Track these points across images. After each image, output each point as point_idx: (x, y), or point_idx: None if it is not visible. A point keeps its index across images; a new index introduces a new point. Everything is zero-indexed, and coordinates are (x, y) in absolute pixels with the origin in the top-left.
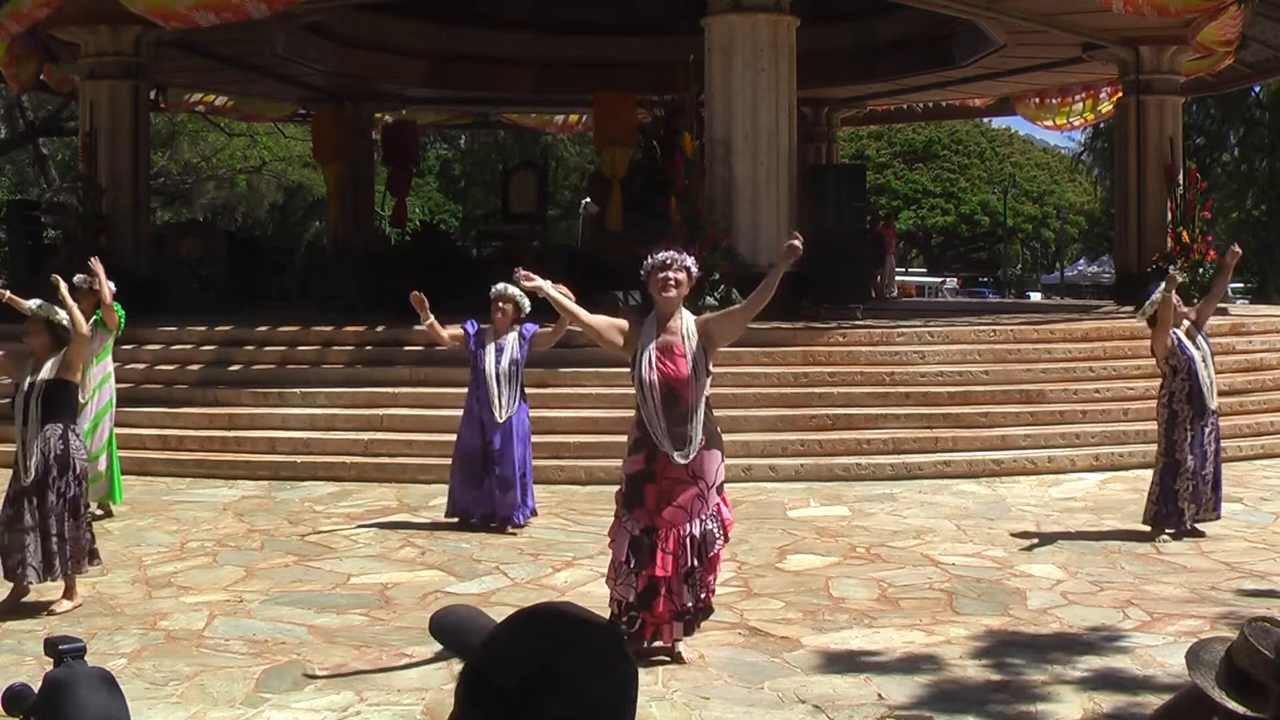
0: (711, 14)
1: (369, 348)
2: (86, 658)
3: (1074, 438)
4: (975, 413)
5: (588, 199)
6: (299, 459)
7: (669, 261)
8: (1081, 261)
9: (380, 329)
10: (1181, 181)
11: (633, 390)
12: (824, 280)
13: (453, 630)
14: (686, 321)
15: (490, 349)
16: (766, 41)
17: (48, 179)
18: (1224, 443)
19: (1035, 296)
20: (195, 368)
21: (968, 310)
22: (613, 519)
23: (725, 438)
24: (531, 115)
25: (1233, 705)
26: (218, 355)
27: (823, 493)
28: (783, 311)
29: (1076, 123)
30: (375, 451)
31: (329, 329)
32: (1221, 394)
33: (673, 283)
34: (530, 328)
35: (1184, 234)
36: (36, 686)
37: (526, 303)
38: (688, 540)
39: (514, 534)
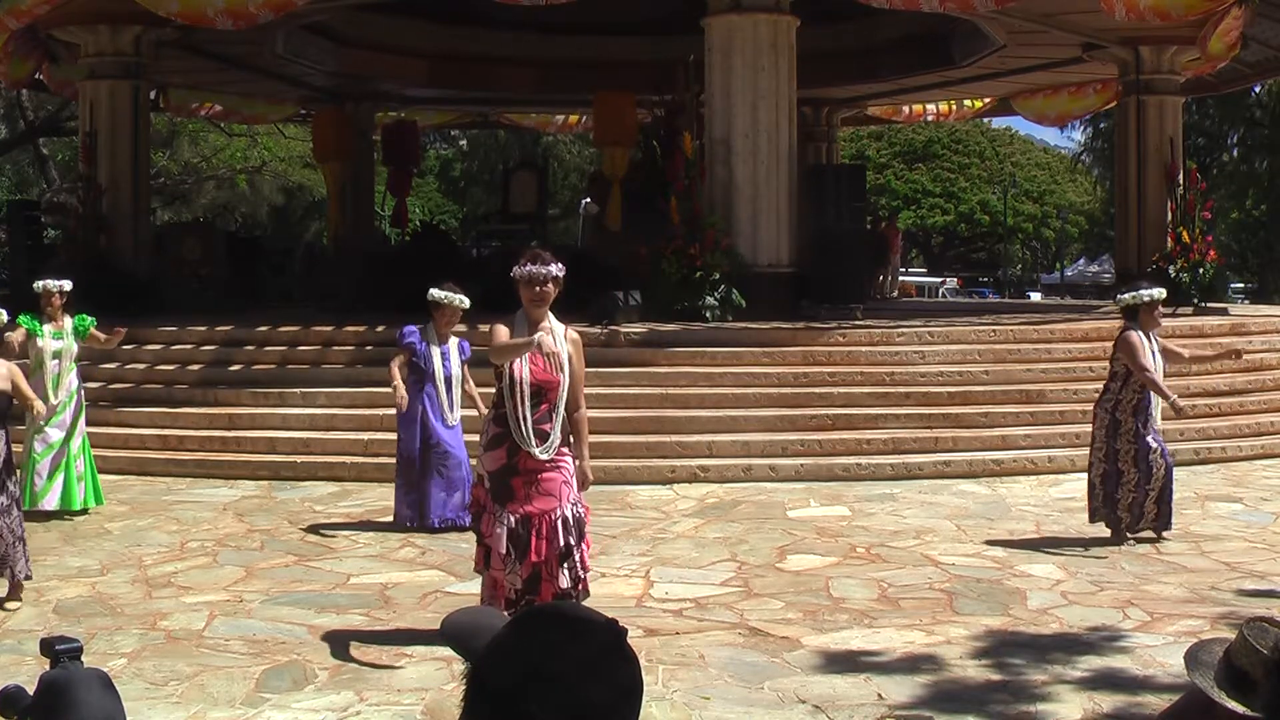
0: (711, 14)
1: (369, 348)
2: (85, 658)
3: (1074, 438)
4: (975, 413)
5: (588, 199)
6: (299, 459)
7: (543, 276)
8: (1081, 261)
9: (380, 329)
10: (1181, 181)
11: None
12: (824, 280)
13: (461, 633)
14: (556, 327)
15: (437, 351)
16: (766, 41)
17: (48, 179)
18: (1224, 443)
19: (1035, 296)
20: (195, 368)
21: (968, 310)
22: (486, 514)
23: (725, 438)
24: (531, 115)
25: (1232, 705)
26: (218, 355)
27: (823, 493)
28: (783, 311)
29: (1077, 110)
30: (375, 451)
31: (329, 329)
32: (1221, 394)
33: (545, 295)
34: (466, 346)
35: (1184, 234)
36: (33, 687)
37: (466, 302)
38: (559, 523)
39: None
